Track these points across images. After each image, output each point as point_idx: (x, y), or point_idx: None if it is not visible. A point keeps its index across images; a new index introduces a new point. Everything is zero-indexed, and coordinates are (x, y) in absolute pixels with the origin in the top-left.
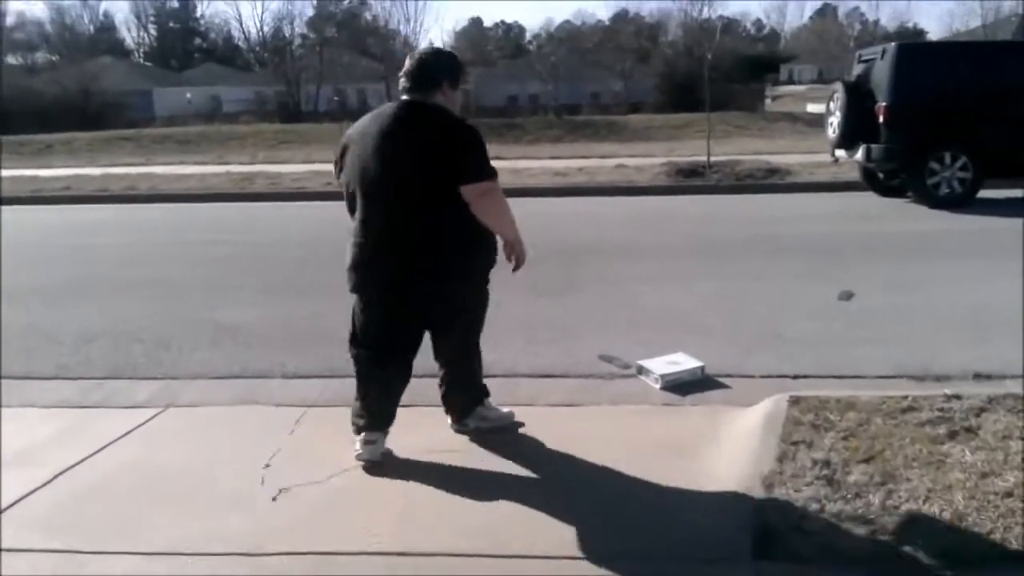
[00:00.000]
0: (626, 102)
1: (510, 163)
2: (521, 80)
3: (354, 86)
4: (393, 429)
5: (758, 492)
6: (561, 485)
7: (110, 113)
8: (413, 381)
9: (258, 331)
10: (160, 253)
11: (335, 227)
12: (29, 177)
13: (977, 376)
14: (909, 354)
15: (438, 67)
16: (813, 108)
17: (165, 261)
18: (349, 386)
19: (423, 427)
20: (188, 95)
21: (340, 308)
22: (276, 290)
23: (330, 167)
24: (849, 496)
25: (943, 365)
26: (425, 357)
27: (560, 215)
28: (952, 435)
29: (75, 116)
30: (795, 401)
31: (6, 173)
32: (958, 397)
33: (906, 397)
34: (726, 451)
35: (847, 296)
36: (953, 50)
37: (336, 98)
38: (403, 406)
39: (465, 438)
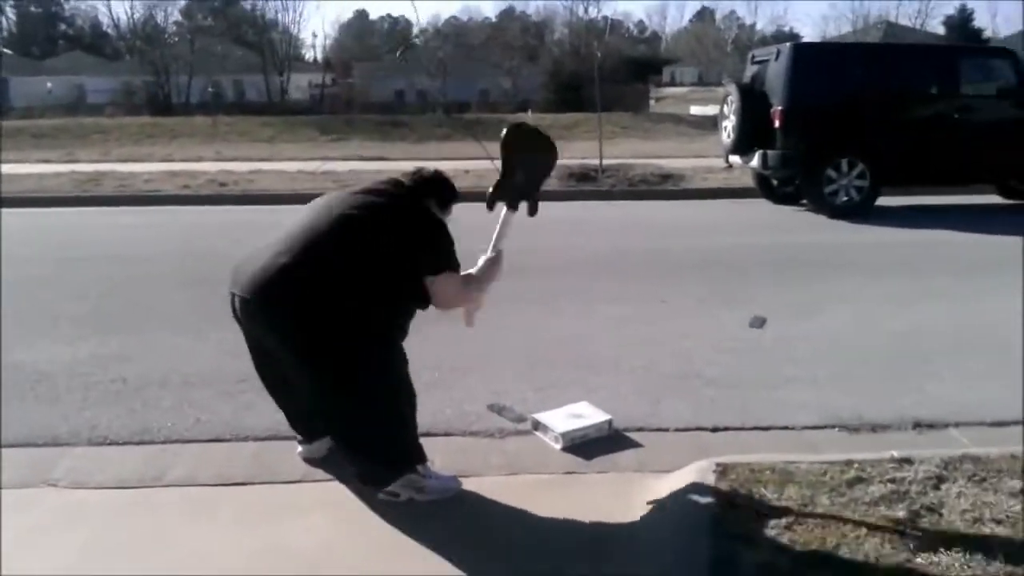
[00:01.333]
0: (515, 100)
1: (394, 164)
2: (408, 75)
3: (230, 77)
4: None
5: None
6: None
7: None
8: None
9: (68, 378)
10: None
11: (187, 236)
12: None
13: (918, 425)
14: (837, 396)
15: (430, 183)
16: (696, 110)
17: None
18: (175, 456)
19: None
20: (49, 84)
21: (178, 343)
22: (102, 320)
23: (189, 166)
24: None
25: (877, 410)
26: None
27: None
28: (913, 518)
29: None
30: (723, 471)
31: None
32: (908, 462)
33: (850, 464)
34: (642, 552)
35: (760, 323)
36: (851, 51)
37: (211, 89)
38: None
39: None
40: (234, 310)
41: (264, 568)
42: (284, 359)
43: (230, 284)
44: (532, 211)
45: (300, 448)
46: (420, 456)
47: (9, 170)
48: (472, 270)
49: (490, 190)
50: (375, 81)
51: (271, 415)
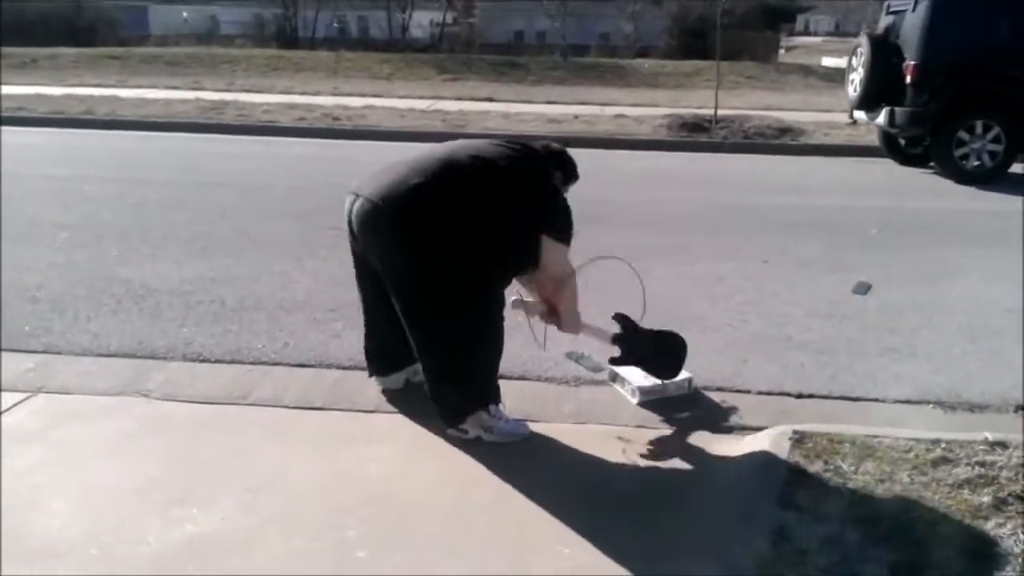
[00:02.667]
0: (636, 45)
1: (503, 106)
2: (529, 15)
3: (355, 13)
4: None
5: None
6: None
7: (103, 29)
8: None
9: (171, 296)
10: (93, 191)
11: (297, 168)
12: None
13: (1020, 409)
14: (936, 372)
15: (558, 158)
16: (828, 61)
17: (95, 201)
18: (262, 376)
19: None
20: (184, 14)
21: (278, 270)
22: (208, 244)
23: (307, 99)
24: None
25: (978, 389)
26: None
27: None
28: (999, 505)
29: (65, 30)
30: (799, 439)
31: None
32: (1003, 446)
33: (937, 443)
34: (706, 510)
35: (864, 289)
36: (996, 5)
37: (336, 24)
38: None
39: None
40: (349, 214)
41: (331, 492)
42: (388, 275)
43: (353, 188)
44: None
45: (376, 379)
46: (495, 397)
47: (138, 95)
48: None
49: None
50: (495, 21)
51: (355, 345)
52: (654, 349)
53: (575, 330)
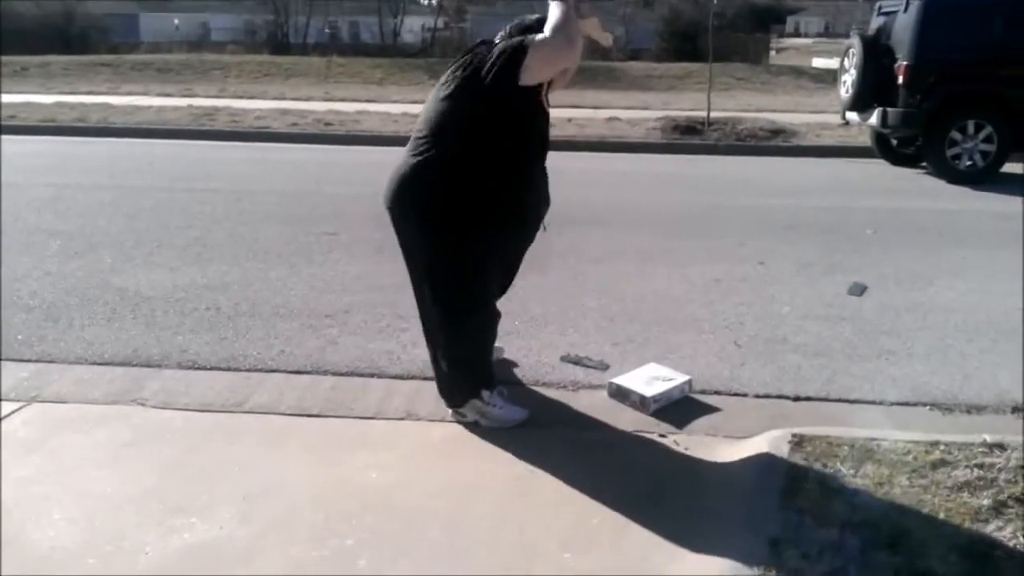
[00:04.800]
0: (626, 48)
1: None
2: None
3: (346, 18)
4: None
5: None
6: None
7: (94, 37)
8: None
9: (166, 304)
10: (86, 198)
11: (290, 174)
12: None
13: (1017, 410)
14: (933, 373)
15: (529, 29)
16: (819, 63)
17: (88, 208)
18: (259, 384)
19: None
20: (176, 21)
21: (272, 276)
22: (202, 251)
23: (299, 105)
24: None
25: (975, 390)
26: None
27: None
28: (998, 508)
29: (56, 38)
30: (798, 443)
31: None
32: (1001, 447)
33: (936, 445)
34: (706, 515)
35: (859, 290)
36: (987, 5)
37: (328, 29)
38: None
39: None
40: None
41: (330, 499)
42: (414, 264)
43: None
44: None
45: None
46: (488, 383)
47: (130, 102)
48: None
49: None
50: (487, 25)
51: (351, 351)
52: None
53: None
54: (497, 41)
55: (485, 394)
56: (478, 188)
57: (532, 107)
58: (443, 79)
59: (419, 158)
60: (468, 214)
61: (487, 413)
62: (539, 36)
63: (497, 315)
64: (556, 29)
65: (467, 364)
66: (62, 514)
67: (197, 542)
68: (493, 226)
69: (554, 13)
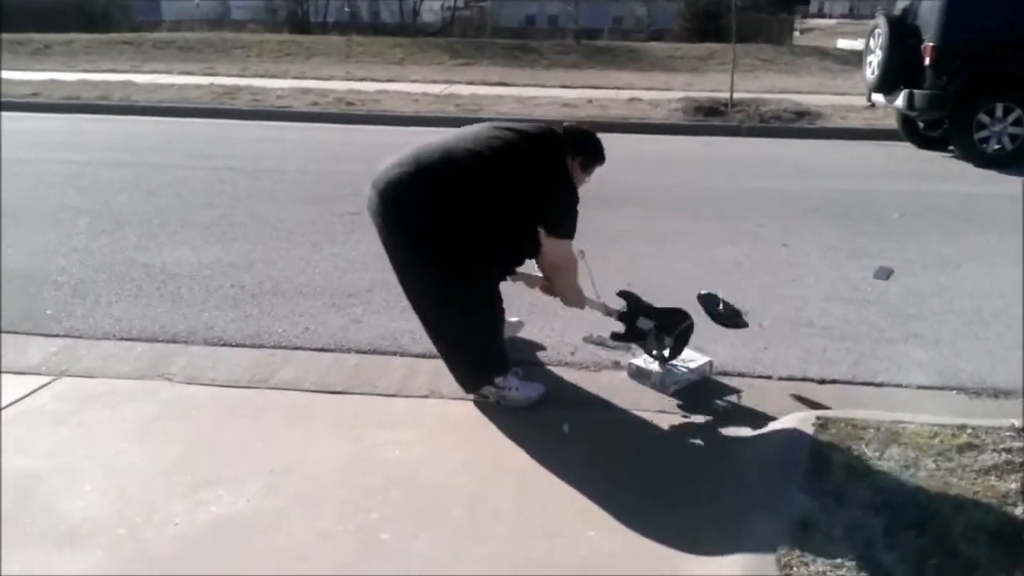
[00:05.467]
0: (648, 29)
1: (518, 90)
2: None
3: None
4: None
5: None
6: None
7: (116, 15)
8: None
9: (191, 281)
10: (110, 176)
11: (312, 153)
12: (6, 80)
13: None
14: (959, 357)
15: (581, 141)
16: (844, 44)
17: (114, 185)
18: (284, 360)
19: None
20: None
21: (296, 255)
22: (225, 229)
23: (320, 84)
24: None
25: (1003, 375)
26: None
27: None
28: None
29: (78, 16)
30: (823, 425)
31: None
32: None
33: (963, 428)
34: (730, 496)
35: (885, 274)
36: None
37: (348, 8)
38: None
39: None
40: (369, 202)
41: (354, 475)
42: (400, 260)
43: (372, 181)
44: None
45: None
46: (501, 368)
47: (152, 80)
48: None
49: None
50: (507, 5)
51: (374, 329)
52: (657, 324)
53: (578, 305)
54: (537, 133)
55: (499, 379)
56: (477, 239)
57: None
58: (498, 136)
59: (429, 185)
60: (462, 251)
61: (505, 396)
62: (568, 251)
63: (502, 304)
64: (567, 289)
65: (477, 355)
66: (93, 486)
67: (224, 514)
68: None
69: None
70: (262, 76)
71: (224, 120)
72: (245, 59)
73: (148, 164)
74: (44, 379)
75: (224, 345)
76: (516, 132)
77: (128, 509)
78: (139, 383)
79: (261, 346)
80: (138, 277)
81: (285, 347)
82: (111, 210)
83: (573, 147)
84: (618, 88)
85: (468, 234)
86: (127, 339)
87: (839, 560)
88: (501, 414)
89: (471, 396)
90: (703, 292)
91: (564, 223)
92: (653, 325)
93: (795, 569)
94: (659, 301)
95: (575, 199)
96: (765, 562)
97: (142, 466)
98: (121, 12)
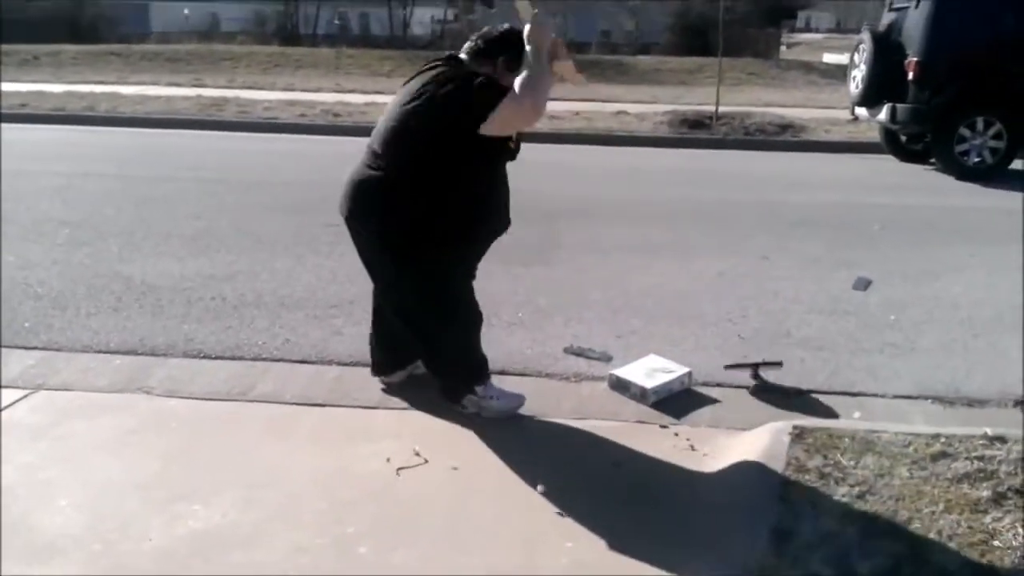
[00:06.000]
0: (637, 42)
1: None
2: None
3: (356, 9)
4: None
5: None
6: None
7: (103, 26)
8: None
9: (172, 293)
10: (94, 187)
11: (298, 165)
12: None
13: (1019, 404)
14: (936, 367)
15: (499, 42)
16: (830, 58)
17: (97, 197)
18: (263, 373)
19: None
20: (186, 11)
21: (278, 267)
22: (209, 241)
23: (308, 96)
24: None
25: (977, 385)
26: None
27: (548, 166)
28: (997, 499)
29: (67, 28)
30: (799, 434)
31: None
32: (1002, 440)
33: (937, 437)
34: (707, 505)
35: (864, 285)
36: (998, 1)
37: (337, 20)
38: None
39: None
40: (340, 206)
41: (333, 488)
42: (374, 272)
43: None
44: None
45: (379, 378)
46: (480, 377)
47: (139, 91)
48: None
49: None
50: (496, 18)
51: (356, 342)
52: None
53: (545, 83)
54: (464, 56)
55: (479, 388)
56: (436, 211)
57: (497, 146)
58: (408, 92)
59: (376, 174)
60: (425, 236)
61: (485, 407)
62: (507, 99)
63: (478, 310)
64: (527, 90)
65: (456, 365)
66: (68, 500)
67: (201, 529)
68: (451, 246)
69: (529, 65)
70: (250, 88)
71: (211, 132)
72: (233, 71)
73: (133, 176)
74: (21, 392)
75: (204, 357)
76: (419, 75)
77: (103, 524)
78: (117, 396)
79: (241, 358)
80: (118, 289)
81: (265, 359)
82: (94, 222)
83: (497, 51)
84: (605, 101)
85: (422, 213)
86: (106, 352)
87: (814, 569)
88: (480, 426)
89: (452, 407)
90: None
91: (488, 95)
92: None
93: None
94: (644, 312)
95: (490, 81)
96: (742, 572)
97: (119, 480)
98: (109, 23)
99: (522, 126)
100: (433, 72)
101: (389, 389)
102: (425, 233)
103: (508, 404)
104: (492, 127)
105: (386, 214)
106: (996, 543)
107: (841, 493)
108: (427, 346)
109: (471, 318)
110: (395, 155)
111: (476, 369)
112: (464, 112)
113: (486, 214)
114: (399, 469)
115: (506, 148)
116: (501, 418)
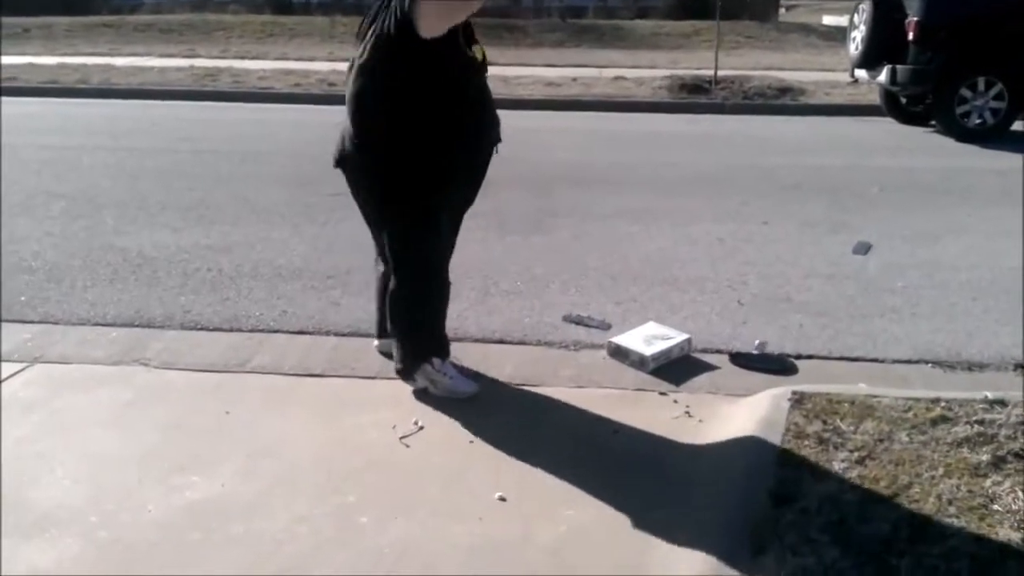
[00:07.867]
0: (634, 6)
1: (501, 70)
2: None
3: None
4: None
5: (743, 556)
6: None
7: None
8: None
9: (168, 264)
10: (90, 159)
11: (293, 134)
12: None
13: (1019, 367)
14: (936, 331)
15: None
16: (829, 20)
17: (91, 170)
18: (261, 344)
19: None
20: None
21: (275, 237)
22: (205, 212)
23: (302, 65)
24: (865, 563)
25: (978, 348)
26: None
27: (545, 132)
28: (997, 463)
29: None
30: (798, 400)
31: None
32: (1002, 403)
33: (936, 402)
34: (707, 471)
35: (864, 249)
36: None
37: None
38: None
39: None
40: None
41: (332, 458)
42: (369, 218)
43: None
44: None
45: (376, 342)
46: (439, 351)
47: (132, 63)
48: None
49: None
50: None
51: (353, 312)
52: None
53: None
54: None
55: (436, 362)
56: (411, 140)
57: (452, 56)
58: (360, 50)
59: (354, 127)
60: (409, 174)
61: (437, 381)
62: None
63: (448, 284)
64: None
65: (419, 329)
66: (65, 473)
67: (200, 499)
68: (434, 177)
69: None
70: (243, 57)
71: (205, 102)
72: (226, 40)
73: (128, 148)
74: (17, 366)
75: (201, 329)
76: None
77: (101, 496)
78: (114, 368)
79: (238, 330)
80: (114, 262)
81: (263, 330)
82: (89, 194)
83: None
84: (603, 66)
85: (398, 146)
86: (102, 324)
87: (814, 535)
88: (479, 396)
89: (404, 380)
90: (734, 352)
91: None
92: None
93: (769, 543)
94: (643, 280)
95: None
96: (740, 537)
97: (116, 452)
98: None
99: (458, 12)
100: (374, 12)
101: (388, 358)
102: (405, 167)
103: (461, 386)
104: (429, 22)
105: (368, 160)
106: (996, 507)
107: (841, 458)
108: (392, 303)
109: (442, 287)
110: (365, 105)
111: (438, 341)
112: (400, 24)
113: (466, 137)
114: (402, 438)
115: (469, 60)
116: (452, 397)
